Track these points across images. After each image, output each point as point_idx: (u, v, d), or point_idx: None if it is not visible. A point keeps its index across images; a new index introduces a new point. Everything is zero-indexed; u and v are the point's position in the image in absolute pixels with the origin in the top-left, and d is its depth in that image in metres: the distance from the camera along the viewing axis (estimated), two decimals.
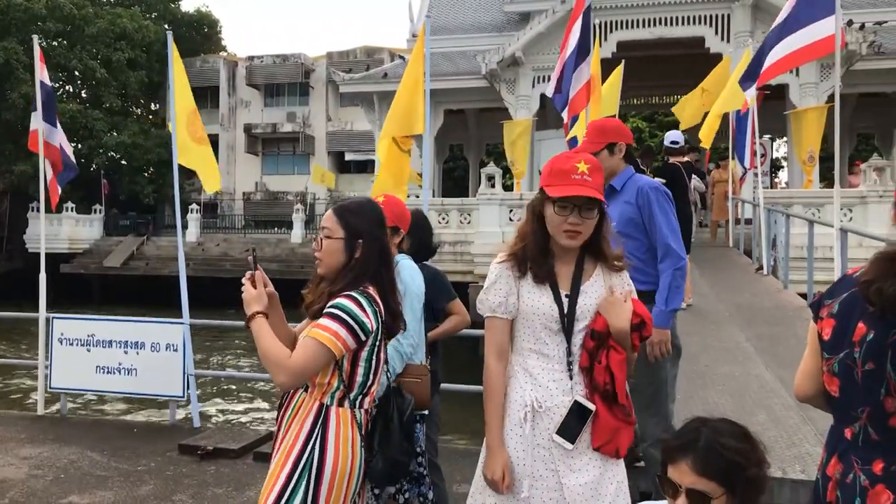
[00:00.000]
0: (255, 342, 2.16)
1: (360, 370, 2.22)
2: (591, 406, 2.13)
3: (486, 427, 2.18)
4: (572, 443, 2.11)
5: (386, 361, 2.42)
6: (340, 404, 2.19)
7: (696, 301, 7.89)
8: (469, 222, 15.50)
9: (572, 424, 2.12)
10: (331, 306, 2.17)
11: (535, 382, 2.15)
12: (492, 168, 15.35)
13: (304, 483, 2.12)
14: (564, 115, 8.07)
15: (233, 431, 6.17)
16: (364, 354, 2.22)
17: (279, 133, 38.77)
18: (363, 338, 2.18)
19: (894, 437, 1.66)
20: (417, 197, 17.25)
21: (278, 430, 2.27)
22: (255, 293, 2.20)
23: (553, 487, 2.11)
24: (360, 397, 2.24)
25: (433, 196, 19.87)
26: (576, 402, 2.13)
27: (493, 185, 14.65)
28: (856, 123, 21.85)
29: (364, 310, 2.17)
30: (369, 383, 2.26)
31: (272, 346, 2.12)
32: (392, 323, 2.31)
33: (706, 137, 12.62)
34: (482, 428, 2.20)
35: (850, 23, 15.87)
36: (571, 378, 2.15)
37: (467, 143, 25.59)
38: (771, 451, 3.74)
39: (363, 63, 32.45)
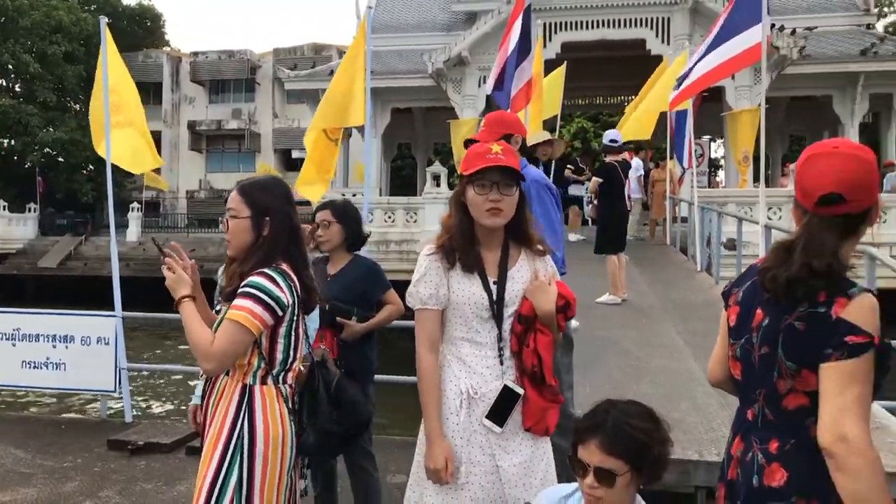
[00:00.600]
0: (184, 329, 2.15)
1: (280, 346, 2.22)
2: (520, 390, 2.19)
3: (424, 417, 2.21)
4: (501, 426, 2.17)
5: (306, 336, 2.42)
6: (264, 382, 2.19)
7: (632, 297, 8.08)
8: (415, 221, 15.53)
9: (501, 408, 2.17)
10: (244, 285, 2.16)
11: (469, 370, 2.20)
12: (437, 167, 15.43)
13: (237, 463, 2.11)
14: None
15: (165, 426, 6.05)
16: (282, 330, 2.21)
17: (224, 130, 38.08)
18: (280, 313, 2.17)
19: (787, 418, 1.71)
20: (358, 195, 17.25)
21: (205, 418, 2.26)
22: (175, 276, 2.19)
23: (489, 471, 2.16)
24: (282, 373, 2.24)
25: (380, 195, 19.84)
26: (505, 387, 2.19)
27: (438, 185, 14.72)
28: (788, 126, 22.69)
29: (278, 285, 2.17)
30: (290, 359, 2.26)
31: (197, 333, 2.12)
32: (308, 298, 2.30)
33: (644, 131, 12.83)
34: (418, 419, 2.22)
35: (781, 28, 16.49)
36: (502, 363, 2.21)
37: (415, 142, 25.64)
38: (691, 435, 3.92)
39: (310, 60, 32.19)
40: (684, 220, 13.09)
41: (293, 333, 2.25)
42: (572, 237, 13.92)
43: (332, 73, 20.55)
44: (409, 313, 3.75)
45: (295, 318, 2.24)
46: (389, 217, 15.75)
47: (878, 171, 1.76)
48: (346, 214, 3.53)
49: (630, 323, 6.95)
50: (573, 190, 14.34)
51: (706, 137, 22.17)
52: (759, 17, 7.13)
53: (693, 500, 3.52)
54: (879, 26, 22.64)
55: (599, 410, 1.93)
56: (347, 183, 20.44)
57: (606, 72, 19.93)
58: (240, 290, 2.16)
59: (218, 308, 2.43)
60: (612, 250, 7.97)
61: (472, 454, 2.17)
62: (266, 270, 2.18)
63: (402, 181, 32.00)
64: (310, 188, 6.35)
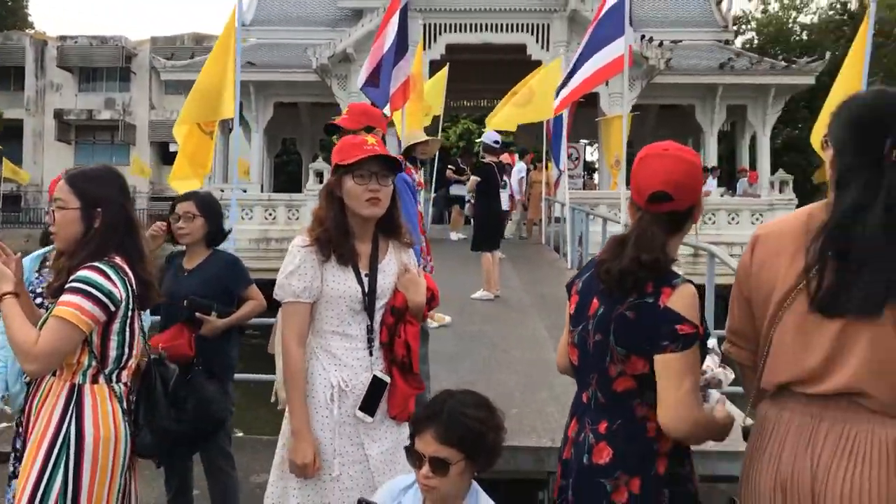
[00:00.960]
0: (5, 327, 2.02)
1: (113, 343, 2.14)
2: (387, 379, 2.24)
3: (291, 412, 2.18)
4: (372, 416, 2.20)
5: (143, 331, 2.34)
6: (95, 381, 2.10)
7: (505, 293, 8.35)
8: (297, 218, 15.28)
9: (372, 398, 2.21)
10: (72, 280, 2.06)
11: (339, 363, 2.21)
12: (320, 164, 15.26)
13: (62, 465, 2.02)
14: (387, 110, 8.27)
15: None
16: (116, 327, 2.13)
17: (96, 120, 35.77)
18: (112, 309, 2.09)
19: (617, 401, 1.84)
20: (245, 191, 16.81)
21: (27, 421, 2.14)
22: None
23: (359, 460, 2.19)
24: (116, 371, 2.15)
25: (262, 191, 19.38)
26: (374, 377, 2.22)
27: (321, 181, 14.55)
28: (658, 131, 24.07)
29: (110, 279, 2.08)
30: (125, 356, 2.17)
31: (19, 332, 1.99)
32: (145, 293, 2.23)
33: (509, 124, 13.11)
34: (280, 416, 2.19)
35: (650, 40, 17.52)
36: (372, 354, 2.24)
37: (300, 138, 25.20)
38: (547, 423, 4.11)
39: (189, 50, 30.85)
40: (557, 220, 13.66)
41: (128, 330, 2.17)
42: (454, 236, 14.18)
43: None
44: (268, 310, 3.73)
45: (130, 313, 2.16)
46: (270, 214, 15.42)
47: (701, 172, 1.90)
48: (210, 208, 3.44)
49: (500, 317, 7.19)
50: (455, 189, 14.60)
51: (583, 141, 23.17)
52: (622, 30, 7.61)
53: (547, 485, 3.68)
54: (738, 42, 24.46)
55: (437, 401, 1.97)
56: (227, 178, 19.83)
57: (491, 74, 20.39)
58: (67, 286, 2.06)
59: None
60: (488, 248, 8.21)
61: (342, 446, 2.18)
62: (96, 264, 2.09)
63: (288, 177, 31.34)
64: (183, 183, 6.16)
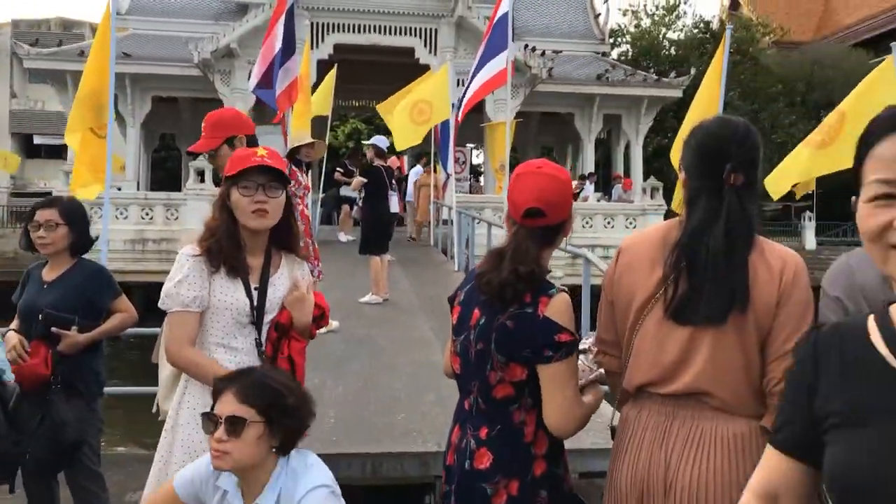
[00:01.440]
0: None
1: None
2: None
3: (209, 373, 2.08)
4: None
5: None
6: None
7: (393, 296, 8.44)
8: (177, 218, 14.68)
9: None
10: None
11: None
12: (201, 162, 14.70)
13: None
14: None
15: None
16: None
17: None
18: None
19: (497, 407, 1.91)
20: (119, 189, 15.93)
21: None
22: None
23: None
24: None
25: (138, 188, 18.46)
26: None
27: (202, 180, 14.08)
28: (540, 137, 24.98)
29: None
30: None
31: None
32: None
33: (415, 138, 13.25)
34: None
35: (533, 49, 18.15)
36: None
37: (180, 133, 24.12)
38: (433, 427, 4.20)
39: (56, 36, 28.84)
40: (447, 222, 13.90)
41: None
42: (343, 237, 14.11)
43: (82, 52, 18.68)
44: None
45: None
46: (147, 214, 14.73)
47: (571, 189, 2.02)
48: (75, 215, 3.22)
49: (388, 320, 7.27)
50: (345, 190, 14.53)
51: (469, 145, 23.64)
52: (507, 43, 7.92)
53: (434, 489, 3.74)
54: (614, 54, 25.77)
55: (244, 370, 1.97)
56: None
57: (381, 76, 20.39)
58: None
59: None
60: (376, 251, 8.26)
61: None
62: None
63: (167, 173, 29.92)
64: (87, 190, 5.99)
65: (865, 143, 1.09)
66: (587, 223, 16.11)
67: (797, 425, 1.12)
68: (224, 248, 2.18)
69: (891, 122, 1.07)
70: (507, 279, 1.86)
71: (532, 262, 1.87)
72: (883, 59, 6.09)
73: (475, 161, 27.83)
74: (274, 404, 1.83)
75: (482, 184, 21.75)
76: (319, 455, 2.80)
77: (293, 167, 6.66)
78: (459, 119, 10.88)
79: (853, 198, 1.10)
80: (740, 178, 1.77)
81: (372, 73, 19.82)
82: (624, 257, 1.92)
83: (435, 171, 15.07)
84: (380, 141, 8.96)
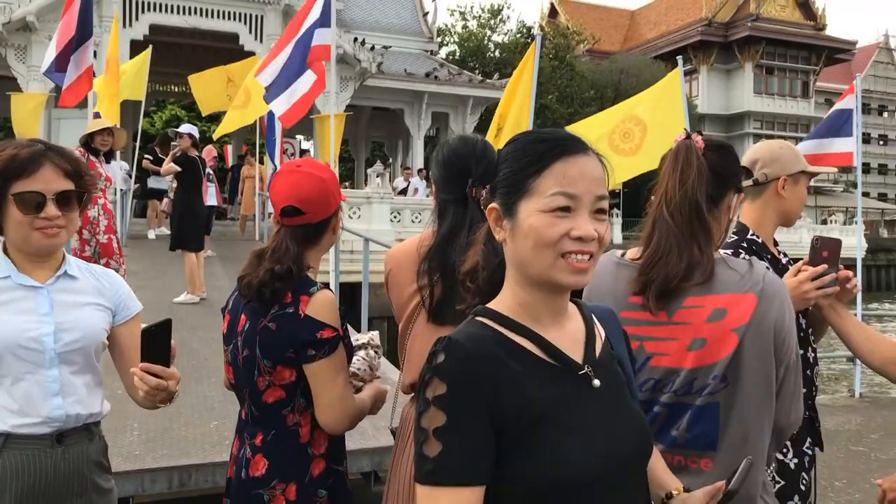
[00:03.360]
0: None
1: None
2: None
3: None
4: None
5: None
6: None
7: (212, 295, 8.05)
8: None
9: None
10: None
11: None
12: None
13: None
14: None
15: None
16: None
17: None
18: None
19: (268, 412, 1.87)
20: None
21: None
22: None
23: None
24: None
25: None
26: None
27: None
28: (371, 132, 25.04)
29: None
30: None
31: None
32: None
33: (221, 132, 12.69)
34: None
35: (363, 42, 18.11)
36: None
37: None
38: None
39: None
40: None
41: None
42: (151, 234, 13.24)
43: None
44: None
45: None
46: None
47: (334, 187, 1.95)
48: None
49: (204, 322, 6.93)
50: (153, 182, 13.59)
51: (299, 137, 23.15)
52: (329, 21, 7.68)
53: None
54: (442, 53, 26.40)
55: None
56: None
57: (203, 60, 19.25)
58: None
59: None
60: (192, 247, 7.83)
61: None
62: None
63: None
64: None
65: (541, 157, 1.15)
66: (416, 218, 16.36)
67: None
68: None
69: (571, 143, 1.16)
70: (264, 279, 1.82)
71: (290, 260, 1.84)
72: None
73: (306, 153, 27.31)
74: (80, 173, 1.84)
75: None
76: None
77: (90, 157, 6.13)
78: (288, 125, 10.48)
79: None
80: (482, 191, 1.89)
81: (194, 57, 18.76)
82: (387, 266, 2.10)
83: (261, 162, 14.57)
84: (193, 129, 8.48)
